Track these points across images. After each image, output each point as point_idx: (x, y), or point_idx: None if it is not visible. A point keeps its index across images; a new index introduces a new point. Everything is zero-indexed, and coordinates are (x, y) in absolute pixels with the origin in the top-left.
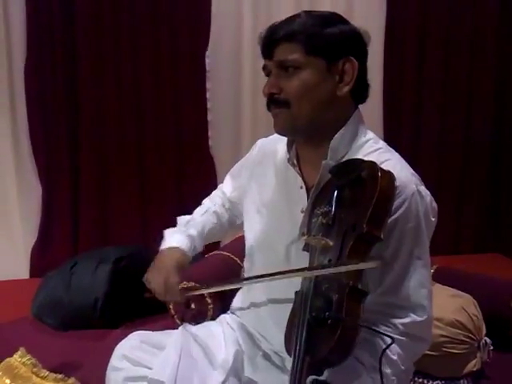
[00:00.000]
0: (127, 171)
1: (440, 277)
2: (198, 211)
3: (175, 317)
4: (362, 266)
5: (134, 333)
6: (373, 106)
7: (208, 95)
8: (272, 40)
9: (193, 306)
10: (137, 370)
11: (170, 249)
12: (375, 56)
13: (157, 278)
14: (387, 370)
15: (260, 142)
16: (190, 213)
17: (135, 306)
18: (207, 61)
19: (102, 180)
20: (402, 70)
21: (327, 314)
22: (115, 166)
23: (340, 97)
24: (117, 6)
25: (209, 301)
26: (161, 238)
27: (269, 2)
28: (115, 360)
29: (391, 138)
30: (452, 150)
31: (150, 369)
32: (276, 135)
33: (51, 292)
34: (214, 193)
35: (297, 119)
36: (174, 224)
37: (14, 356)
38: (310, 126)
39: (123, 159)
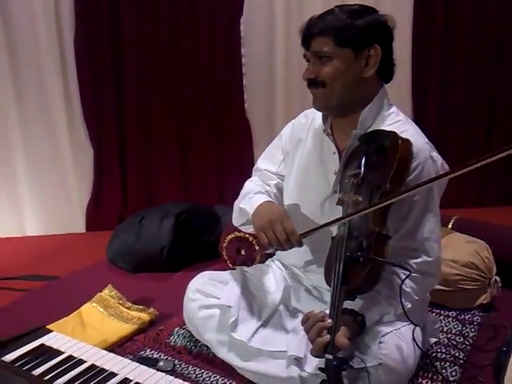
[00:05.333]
0: (168, 134)
1: (459, 226)
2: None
3: (227, 261)
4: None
5: (203, 272)
6: (401, 81)
7: (243, 60)
8: (308, 34)
9: (243, 252)
10: (208, 300)
11: (270, 202)
12: (404, 33)
13: (276, 228)
14: (402, 299)
15: (292, 122)
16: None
17: (194, 252)
18: (242, 27)
19: (145, 144)
20: (429, 45)
21: (359, 253)
22: (158, 130)
23: (367, 78)
24: None
25: (256, 248)
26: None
27: None
28: (190, 293)
29: (418, 106)
30: (479, 110)
31: (219, 299)
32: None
33: (123, 242)
34: (254, 177)
35: (331, 97)
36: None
37: (104, 291)
38: (341, 103)
39: (164, 123)
